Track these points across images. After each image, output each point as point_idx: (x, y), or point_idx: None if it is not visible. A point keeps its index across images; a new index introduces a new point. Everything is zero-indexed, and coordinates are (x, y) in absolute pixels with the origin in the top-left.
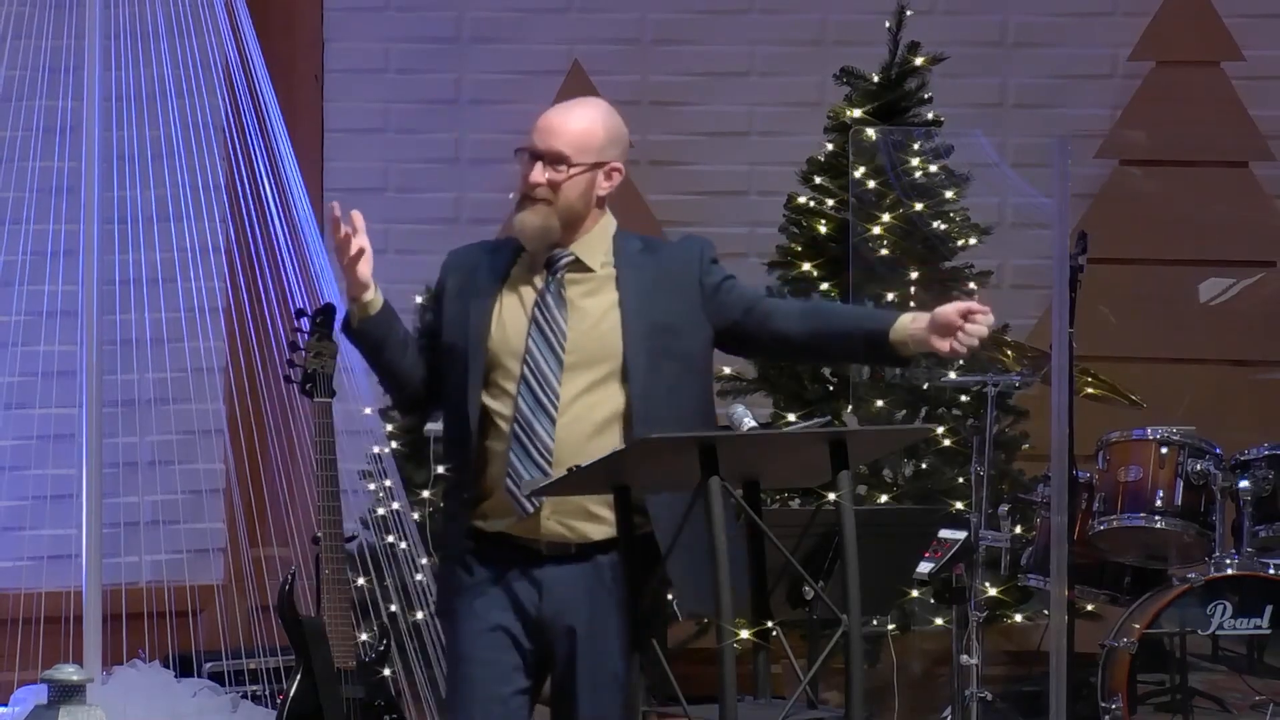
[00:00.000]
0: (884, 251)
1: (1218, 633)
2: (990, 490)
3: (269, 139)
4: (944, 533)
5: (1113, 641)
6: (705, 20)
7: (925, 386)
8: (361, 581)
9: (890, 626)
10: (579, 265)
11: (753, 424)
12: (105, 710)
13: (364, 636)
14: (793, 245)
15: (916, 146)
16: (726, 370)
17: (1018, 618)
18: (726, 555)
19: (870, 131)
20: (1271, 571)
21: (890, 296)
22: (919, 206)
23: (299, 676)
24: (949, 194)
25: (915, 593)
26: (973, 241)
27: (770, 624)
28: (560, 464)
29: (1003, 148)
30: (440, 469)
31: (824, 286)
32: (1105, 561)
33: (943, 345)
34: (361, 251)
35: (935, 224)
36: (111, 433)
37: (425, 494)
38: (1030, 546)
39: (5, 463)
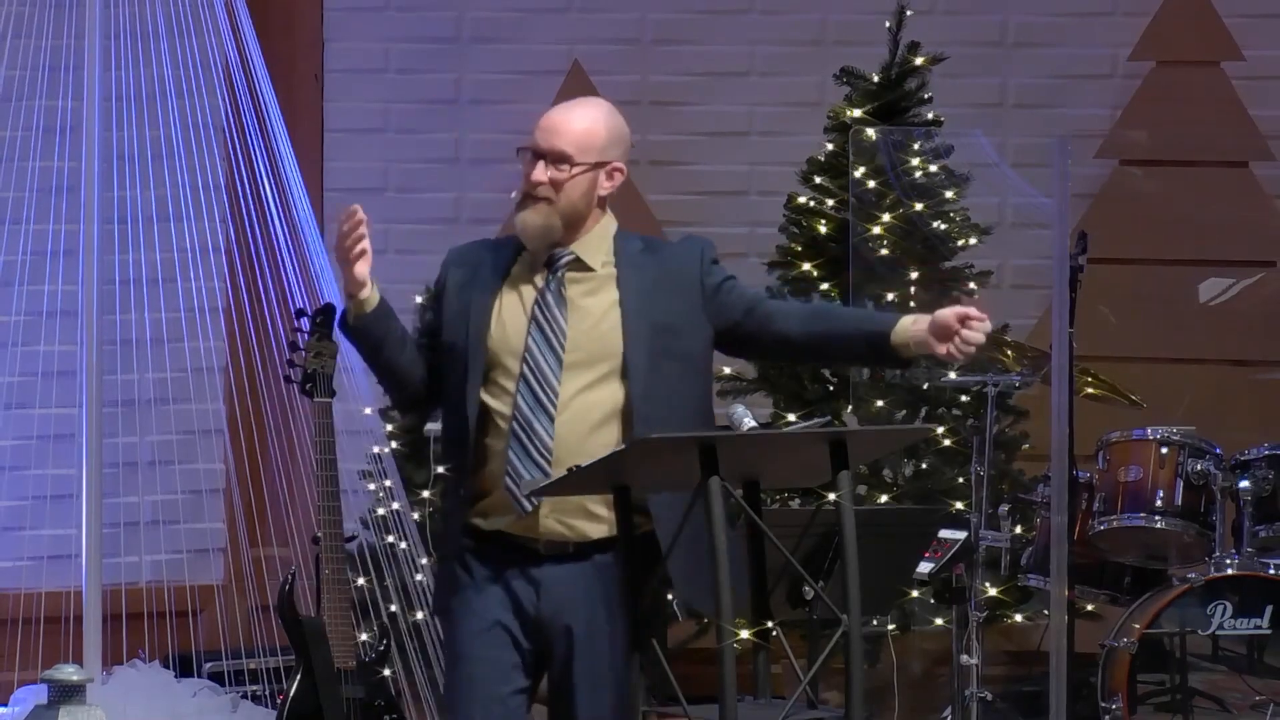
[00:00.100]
0: (884, 251)
1: (1218, 633)
2: (990, 490)
3: (269, 139)
4: (944, 533)
5: (1113, 641)
6: (705, 20)
7: (925, 386)
8: (361, 581)
9: (890, 626)
10: (579, 264)
11: (753, 424)
12: (105, 710)
13: (364, 636)
14: (793, 245)
15: (916, 146)
16: (726, 370)
17: (1018, 618)
18: (726, 555)
19: (870, 131)
20: (1271, 571)
21: (890, 296)
22: (919, 206)
23: (299, 676)
24: (949, 194)
25: (915, 593)
26: (973, 241)
27: (770, 624)
28: (559, 463)
29: (1003, 148)
30: (440, 468)
31: (824, 286)
32: (1105, 561)
33: (940, 349)
34: (365, 249)
35: (935, 224)
36: (111, 433)
37: (425, 494)
38: (1030, 546)
39: (5, 463)
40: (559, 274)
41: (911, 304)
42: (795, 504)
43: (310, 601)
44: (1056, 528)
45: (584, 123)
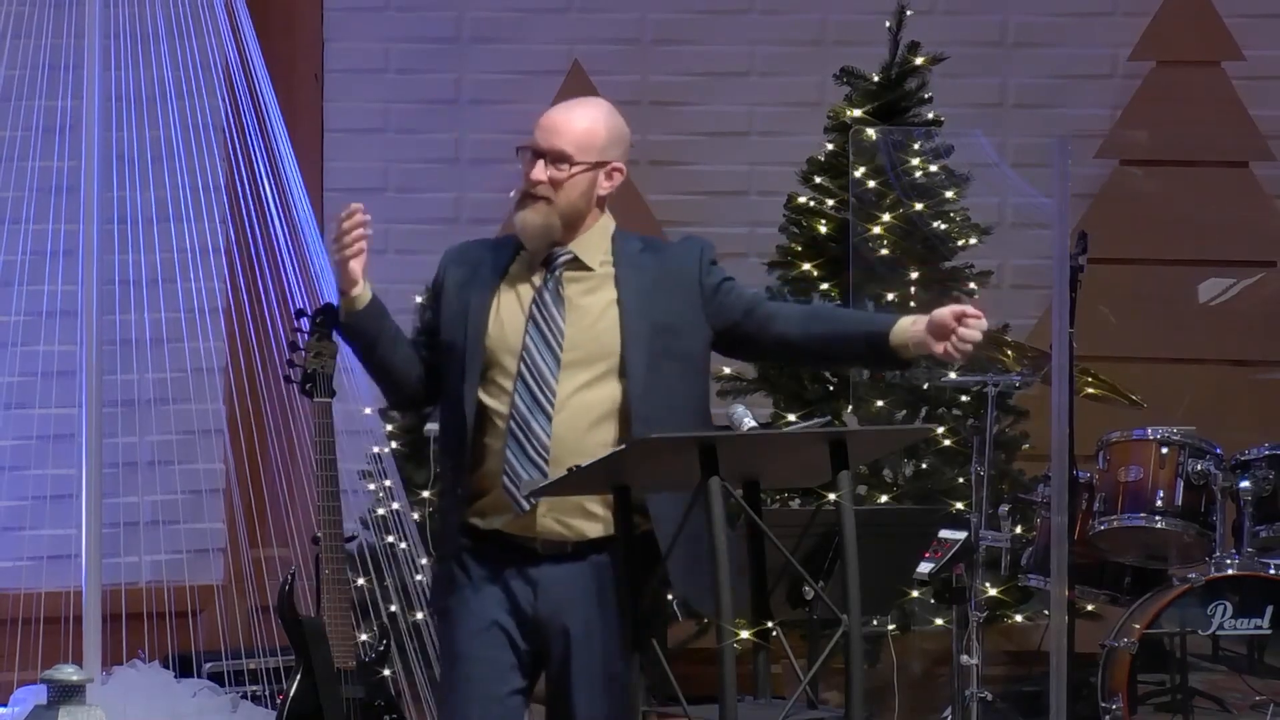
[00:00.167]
0: (884, 251)
1: (1218, 633)
2: (990, 490)
3: (269, 139)
4: (944, 533)
5: (1113, 642)
6: (705, 20)
7: (925, 386)
8: (361, 581)
9: (890, 626)
10: (577, 264)
11: (753, 424)
12: (105, 710)
13: (364, 636)
14: (793, 245)
15: (916, 146)
16: (726, 370)
17: (1018, 618)
18: (726, 555)
19: (870, 131)
20: (1272, 572)
21: (890, 296)
22: (919, 206)
23: (299, 677)
24: (949, 194)
25: (915, 593)
26: (973, 241)
27: (770, 624)
28: (557, 461)
29: (1003, 148)
30: (438, 468)
31: (824, 286)
32: (1105, 561)
33: (938, 348)
34: (361, 248)
35: (935, 224)
36: (111, 433)
37: (425, 494)
38: (1030, 546)
39: (5, 463)
40: (556, 273)
41: (911, 304)
42: (795, 504)
43: (310, 602)
44: (1057, 528)
45: (584, 122)
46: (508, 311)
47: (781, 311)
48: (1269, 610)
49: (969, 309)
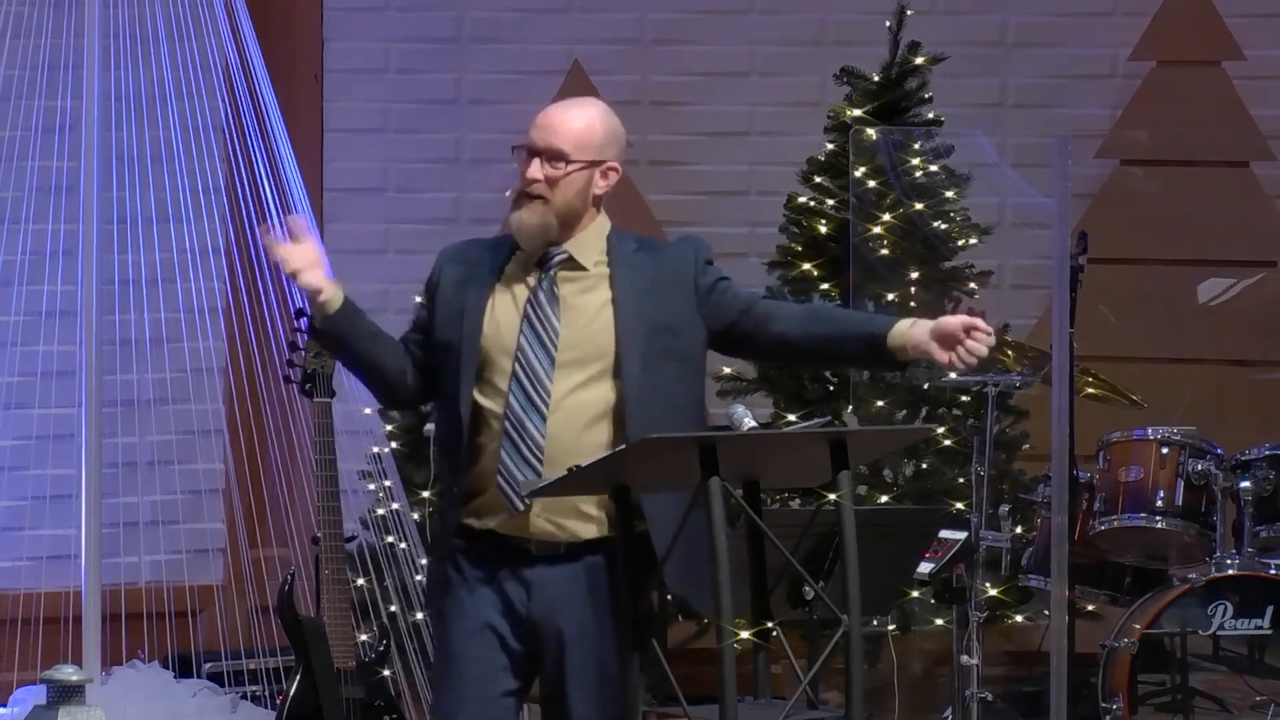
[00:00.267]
0: (884, 251)
1: (1218, 633)
2: (990, 490)
3: (269, 140)
4: (944, 533)
5: (1113, 642)
6: (705, 20)
7: (925, 386)
8: (361, 582)
9: (890, 627)
10: (572, 263)
11: (753, 424)
12: (105, 711)
13: (364, 637)
14: (793, 245)
15: (916, 146)
16: (726, 370)
17: (1018, 618)
18: (726, 555)
19: (870, 131)
20: (1272, 572)
21: (890, 296)
22: (919, 206)
23: (299, 677)
24: (949, 194)
25: (915, 593)
26: (973, 241)
27: (770, 624)
28: (551, 462)
29: (1003, 148)
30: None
31: (824, 286)
32: (1106, 562)
33: (943, 356)
34: (298, 267)
35: (935, 224)
36: (111, 433)
37: (425, 494)
38: (1031, 547)
39: (5, 463)
40: (551, 273)
41: (912, 304)
42: (795, 504)
43: (310, 602)
44: (1057, 528)
45: (581, 121)
46: (503, 311)
47: (779, 311)
48: (1269, 610)
49: (979, 322)
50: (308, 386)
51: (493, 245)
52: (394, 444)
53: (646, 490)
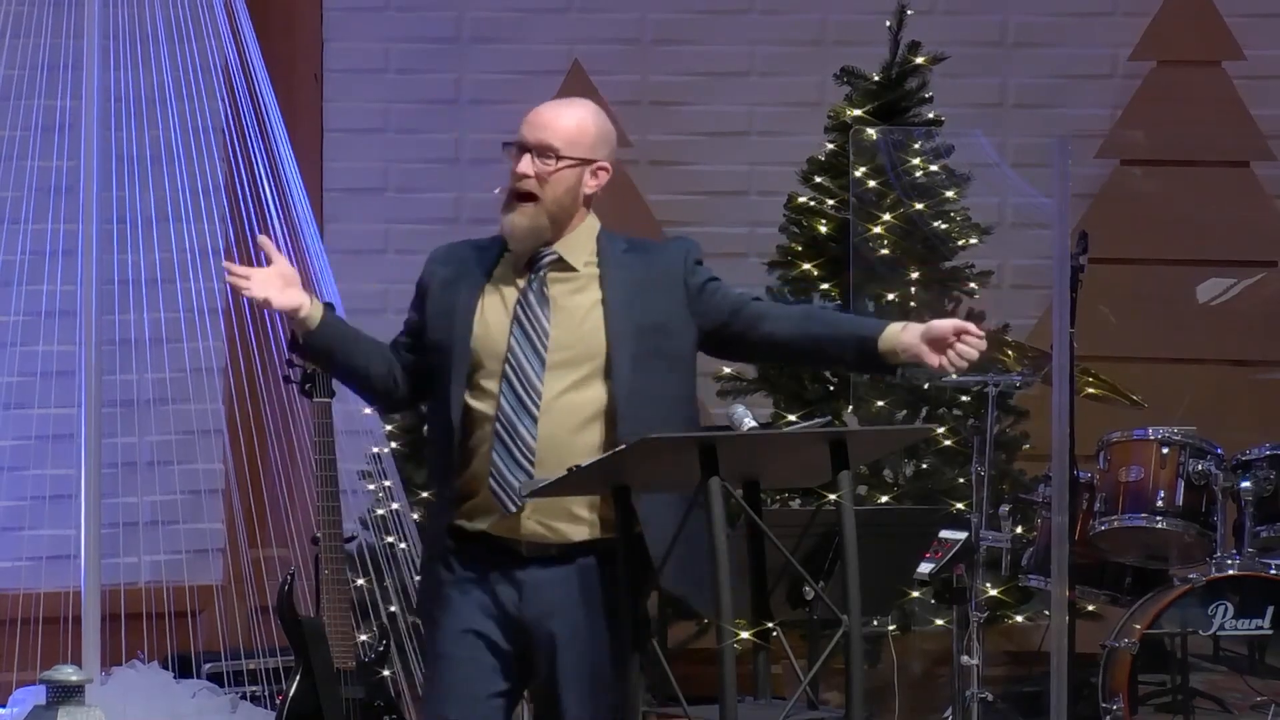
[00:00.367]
0: (884, 251)
1: (1219, 633)
2: (991, 490)
3: (269, 140)
4: (944, 533)
5: (1114, 642)
6: (705, 20)
7: (925, 386)
8: (361, 582)
9: (891, 627)
10: (562, 264)
11: (753, 424)
12: (104, 711)
13: (363, 637)
14: (793, 245)
15: (917, 146)
16: (726, 370)
17: (1018, 618)
18: (726, 555)
19: (870, 131)
20: (1273, 572)
21: (890, 296)
22: (919, 206)
23: (298, 677)
24: (949, 194)
25: (915, 593)
26: (973, 241)
27: (770, 624)
28: (543, 463)
29: (1003, 148)
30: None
31: (824, 286)
32: (1106, 562)
33: (933, 360)
34: (267, 297)
35: (935, 224)
36: (111, 433)
37: (425, 494)
38: (1031, 547)
39: (5, 463)
40: (541, 274)
41: (912, 304)
42: (795, 504)
43: (310, 602)
44: (1057, 528)
45: (572, 119)
46: (492, 313)
47: (771, 312)
48: (1270, 610)
49: (970, 325)
50: (307, 386)
51: (482, 246)
52: (394, 444)
53: (646, 490)
